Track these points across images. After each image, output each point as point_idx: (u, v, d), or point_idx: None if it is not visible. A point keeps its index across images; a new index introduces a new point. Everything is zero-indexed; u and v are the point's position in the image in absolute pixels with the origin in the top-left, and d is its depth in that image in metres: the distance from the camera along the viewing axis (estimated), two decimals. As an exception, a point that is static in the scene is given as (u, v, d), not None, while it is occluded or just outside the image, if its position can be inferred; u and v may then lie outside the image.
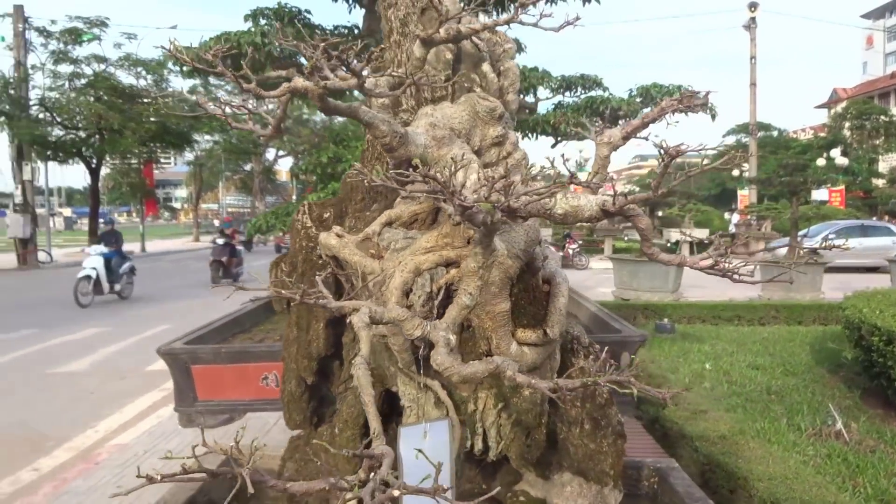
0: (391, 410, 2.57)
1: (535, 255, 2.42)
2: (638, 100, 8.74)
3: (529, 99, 8.60)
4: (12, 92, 27.79)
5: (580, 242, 26.22)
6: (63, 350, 11.56)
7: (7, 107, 27.77)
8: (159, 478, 1.00)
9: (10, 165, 29.43)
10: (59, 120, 29.41)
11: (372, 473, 1.18)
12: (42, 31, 29.16)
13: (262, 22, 8.04)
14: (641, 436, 6.45)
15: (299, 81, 1.67)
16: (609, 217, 1.90)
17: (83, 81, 29.65)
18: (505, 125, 2.27)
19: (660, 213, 25.86)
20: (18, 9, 28.47)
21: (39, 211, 32.56)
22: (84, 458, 6.50)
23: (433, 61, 2.50)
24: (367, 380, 1.43)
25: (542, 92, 8.58)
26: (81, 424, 7.42)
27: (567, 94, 8.91)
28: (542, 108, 8.91)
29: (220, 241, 20.54)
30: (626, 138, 1.89)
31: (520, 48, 9.62)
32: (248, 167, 53.42)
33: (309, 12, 8.09)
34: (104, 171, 37.04)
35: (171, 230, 70.20)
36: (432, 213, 2.23)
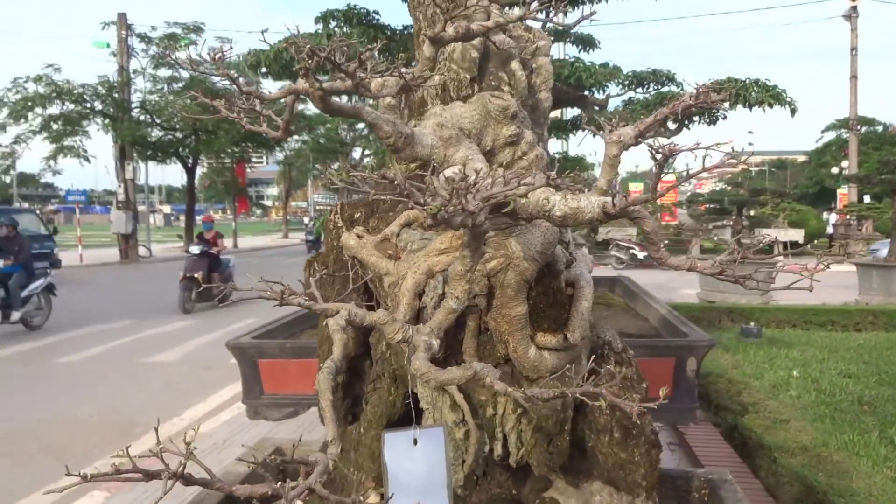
0: (417, 412, 2.56)
1: (555, 256, 2.36)
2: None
3: (599, 95, 8.44)
4: (116, 95, 29.43)
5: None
6: (155, 341, 12.18)
7: (111, 109, 29.46)
8: (88, 476, 1.02)
9: (114, 165, 31.22)
10: (157, 121, 30.95)
11: (298, 481, 1.17)
12: (143, 38, 30.77)
13: (332, 24, 8.21)
14: (718, 444, 6.22)
15: (300, 83, 1.68)
16: (612, 219, 1.83)
17: (180, 84, 31.07)
18: (520, 124, 2.22)
19: (751, 213, 24.87)
20: (122, 17, 30.11)
21: (140, 208, 34.38)
22: (168, 445, 6.82)
23: (459, 60, 2.47)
24: (326, 385, 1.42)
25: (614, 88, 8.41)
26: (168, 412, 7.80)
27: (639, 90, 8.68)
28: (613, 104, 8.76)
29: (195, 249, 15.36)
30: (639, 137, 1.80)
31: (593, 45, 9.45)
32: (335, 166, 54.68)
33: (377, 13, 8.20)
34: (200, 170, 38.77)
35: (262, 227, 72.77)
36: (448, 214, 2.21)
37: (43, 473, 5.87)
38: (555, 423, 2.42)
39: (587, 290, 2.40)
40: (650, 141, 1.61)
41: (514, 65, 2.55)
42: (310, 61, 1.53)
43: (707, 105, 1.76)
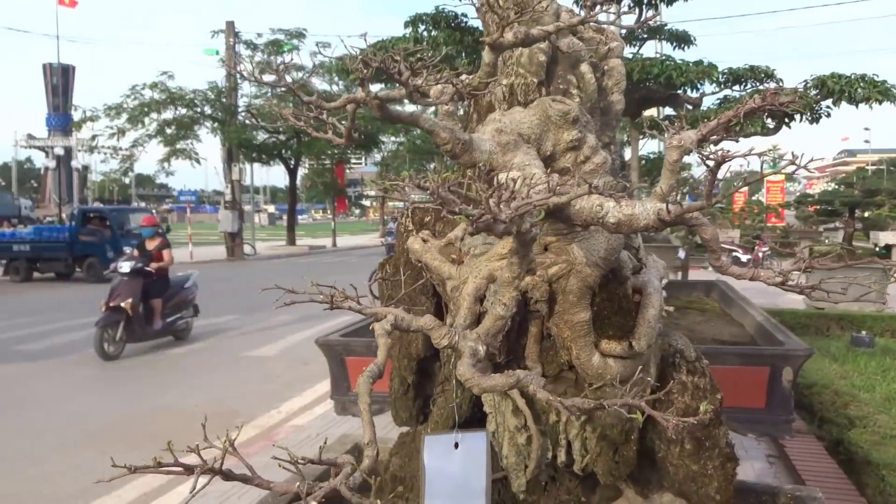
0: (483, 416, 2.57)
1: (621, 263, 2.31)
2: (813, 92, 7.93)
3: (693, 94, 8.16)
4: (224, 100, 30.91)
5: (771, 244, 24.35)
6: (257, 336, 12.71)
7: (219, 114, 30.97)
8: (133, 468, 1.09)
9: (222, 167, 32.78)
10: (262, 125, 32.30)
11: (328, 482, 1.21)
12: (249, 44, 32.17)
13: (421, 27, 8.31)
14: (822, 459, 5.93)
15: (358, 93, 1.73)
16: (668, 227, 1.77)
17: (283, 89, 32.28)
18: (582, 129, 2.18)
19: (865, 214, 23.35)
20: (230, 25, 31.59)
21: (246, 208, 35.92)
22: (265, 436, 7.12)
23: (526, 64, 2.46)
24: (365, 388, 1.45)
25: (709, 87, 8.10)
26: (266, 405, 8.15)
27: (735, 87, 8.33)
28: (708, 102, 8.44)
29: (125, 266, 10.80)
30: (702, 141, 1.74)
31: (689, 42, 9.15)
32: (431, 166, 55.24)
33: (465, 16, 8.25)
34: (301, 171, 40.12)
35: (360, 227, 74.54)
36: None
37: (149, 458, 6.26)
38: (619, 431, 2.38)
39: (655, 297, 2.34)
40: (713, 150, 1.55)
41: (584, 67, 2.51)
42: (364, 70, 1.57)
43: (775, 108, 1.68)
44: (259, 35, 32.30)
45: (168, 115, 29.89)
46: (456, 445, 2.08)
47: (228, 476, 1.24)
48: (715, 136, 1.75)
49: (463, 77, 1.98)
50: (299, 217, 32.81)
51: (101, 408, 8.01)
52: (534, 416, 2.38)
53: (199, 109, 30.50)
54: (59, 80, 42.24)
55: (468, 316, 2.16)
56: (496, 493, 2.66)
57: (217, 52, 31.81)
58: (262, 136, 33.02)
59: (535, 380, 1.52)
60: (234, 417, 7.62)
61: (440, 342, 1.64)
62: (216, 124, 30.97)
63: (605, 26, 2.70)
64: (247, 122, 32.27)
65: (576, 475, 2.65)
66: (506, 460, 2.45)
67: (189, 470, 1.19)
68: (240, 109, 32.23)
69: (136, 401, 8.29)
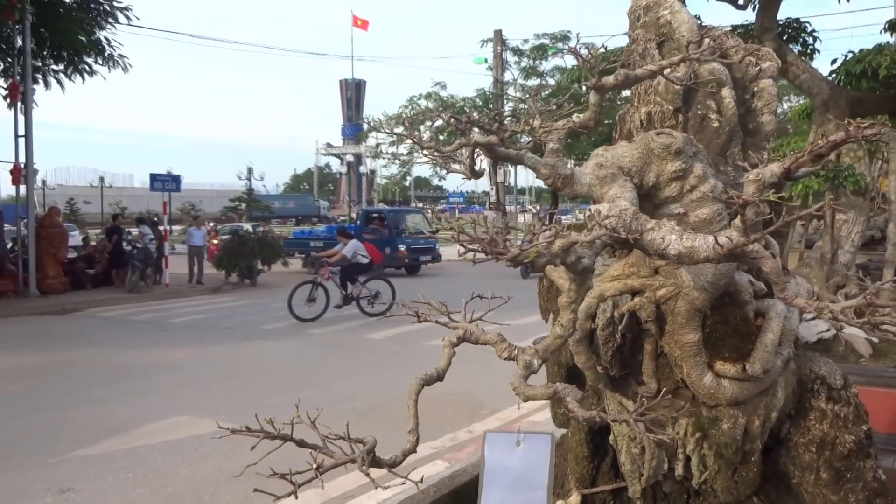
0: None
1: (739, 287, 2.32)
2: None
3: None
4: (490, 107, 32.51)
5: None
6: (507, 331, 13.34)
7: (486, 120, 32.63)
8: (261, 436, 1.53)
9: (486, 169, 34.53)
10: (521, 130, 33.38)
11: (357, 452, 1.53)
12: (515, 51, 33.42)
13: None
14: None
15: (473, 138, 2.06)
16: (732, 260, 1.80)
17: (547, 92, 33.08)
18: (687, 159, 2.22)
19: None
20: (498, 33, 33.11)
21: (510, 208, 37.38)
22: (503, 428, 7.61)
23: (663, 93, 2.55)
24: (414, 388, 1.75)
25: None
26: (511, 399, 8.64)
27: None
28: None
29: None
30: (787, 175, 1.73)
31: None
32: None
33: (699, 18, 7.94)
34: (564, 171, 40.63)
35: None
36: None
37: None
38: (735, 451, 2.39)
39: (774, 322, 2.32)
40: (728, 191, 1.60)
41: (725, 91, 2.55)
42: (462, 123, 1.89)
43: (863, 139, 1.67)
44: (525, 41, 33.42)
45: (440, 122, 32.25)
46: (518, 444, 2.29)
47: (301, 444, 1.65)
48: (803, 169, 1.77)
49: (574, 117, 2.19)
50: (563, 217, 33.30)
51: (368, 389, 9.03)
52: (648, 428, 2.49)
53: (467, 116, 32.43)
54: (353, 94, 47.54)
55: (580, 331, 2.36)
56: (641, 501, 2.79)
57: (486, 61, 33.53)
58: (524, 139, 34.09)
59: (571, 392, 1.72)
60: (480, 408, 8.19)
61: (501, 355, 1.90)
62: (482, 130, 32.68)
63: (760, 47, 2.68)
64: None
65: (715, 493, 2.69)
66: (623, 467, 2.59)
67: (272, 437, 1.61)
68: (506, 115, 33.70)
69: (398, 385, 9.27)
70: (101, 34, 19.93)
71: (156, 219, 24.39)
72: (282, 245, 24.05)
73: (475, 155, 2.22)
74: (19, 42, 18.05)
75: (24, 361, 10.75)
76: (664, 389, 2.29)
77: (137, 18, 20.91)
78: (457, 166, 2.20)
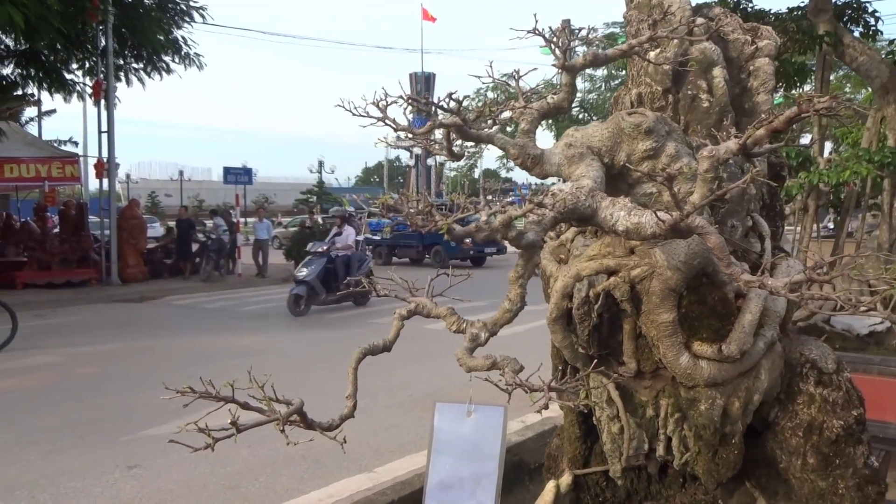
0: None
1: (716, 267, 2.28)
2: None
3: None
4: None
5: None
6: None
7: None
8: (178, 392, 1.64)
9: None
10: (594, 118, 32.99)
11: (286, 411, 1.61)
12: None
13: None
14: None
15: (438, 120, 2.11)
16: (678, 235, 1.78)
17: (616, 82, 32.54)
18: (658, 138, 2.20)
19: None
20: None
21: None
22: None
23: (652, 73, 2.53)
24: (355, 357, 1.82)
25: None
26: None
27: None
28: None
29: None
30: (744, 151, 1.69)
31: None
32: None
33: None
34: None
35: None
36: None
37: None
38: (713, 432, 2.36)
39: (753, 303, 2.28)
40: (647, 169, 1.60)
41: (716, 71, 2.51)
42: (423, 105, 1.94)
43: (816, 112, 1.64)
44: (594, 30, 32.90)
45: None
46: (469, 414, 2.32)
47: (245, 406, 1.75)
48: (766, 146, 1.74)
49: (549, 99, 2.21)
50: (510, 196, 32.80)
51: (425, 378, 9.15)
52: (630, 408, 2.49)
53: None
54: (423, 87, 47.74)
55: (555, 310, 2.38)
56: (629, 482, 2.79)
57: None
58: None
59: (509, 364, 1.75)
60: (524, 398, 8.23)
61: (451, 328, 1.95)
62: (549, 120, 32.47)
63: (759, 25, 2.63)
64: (580, 116, 33.18)
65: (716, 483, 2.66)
66: (604, 446, 2.59)
67: (232, 401, 1.71)
68: (574, 106, 33.36)
69: (453, 375, 9.35)
70: (178, 33, 20.72)
71: (232, 210, 25.31)
72: (349, 236, 24.50)
73: (451, 137, 2.27)
74: (102, 42, 18.96)
75: (102, 346, 11.37)
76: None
77: (212, 17, 21.64)
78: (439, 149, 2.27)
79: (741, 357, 2.28)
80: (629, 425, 2.48)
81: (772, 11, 7.61)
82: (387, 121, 2.17)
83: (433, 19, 47.29)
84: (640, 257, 2.26)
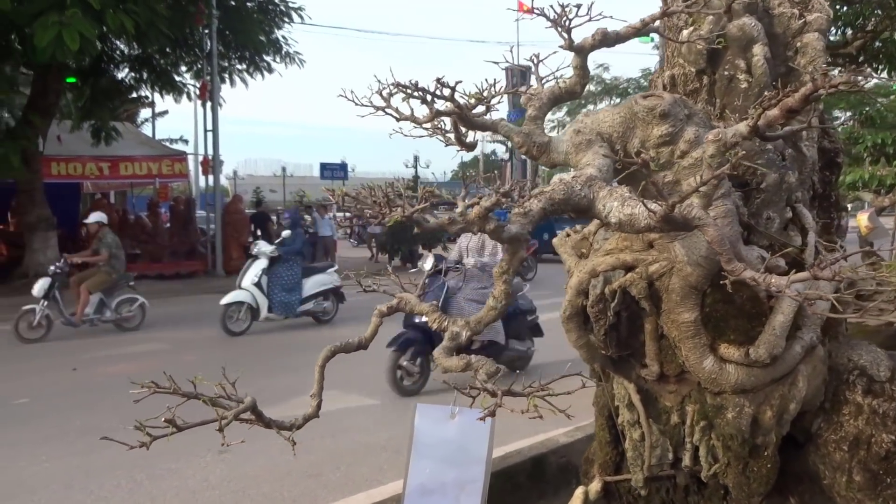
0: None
1: (746, 263, 2.06)
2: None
3: None
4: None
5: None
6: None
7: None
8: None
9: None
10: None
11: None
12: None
13: None
14: None
15: (436, 108, 2.02)
16: (674, 227, 1.60)
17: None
18: (676, 122, 1.99)
19: None
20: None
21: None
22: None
23: (685, 54, 2.33)
24: (322, 355, 1.75)
25: None
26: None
27: None
28: None
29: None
30: (756, 134, 1.49)
31: None
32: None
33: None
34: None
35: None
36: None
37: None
38: (741, 443, 2.15)
39: (787, 303, 2.05)
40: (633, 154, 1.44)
41: (756, 49, 2.28)
42: (417, 91, 1.87)
43: (832, 88, 1.45)
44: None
45: (603, 105, 31.45)
46: (452, 416, 2.19)
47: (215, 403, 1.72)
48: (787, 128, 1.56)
49: (560, 83, 2.08)
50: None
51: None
52: (652, 414, 2.31)
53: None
54: (518, 81, 47.40)
55: (568, 307, 2.24)
56: (665, 492, 2.60)
57: (651, 40, 32.07)
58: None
59: (484, 365, 1.64)
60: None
61: (433, 325, 1.85)
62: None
63: (811, -4, 2.37)
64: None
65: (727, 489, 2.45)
66: (627, 453, 2.42)
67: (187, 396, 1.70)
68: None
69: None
70: (279, 33, 21.39)
71: (326, 205, 25.85)
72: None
73: (457, 126, 2.18)
74: (208, 45, 19.86)
75: (202, 334, 11.88)
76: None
77: (310, 17, 22.21)
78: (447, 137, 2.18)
79: (772, 362, 2.07)
80: (650, 432, 2.31)
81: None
82: (388, 110, 2.11)
83: (531, 12, 46.63)
84: (658, 252, 2.10)
